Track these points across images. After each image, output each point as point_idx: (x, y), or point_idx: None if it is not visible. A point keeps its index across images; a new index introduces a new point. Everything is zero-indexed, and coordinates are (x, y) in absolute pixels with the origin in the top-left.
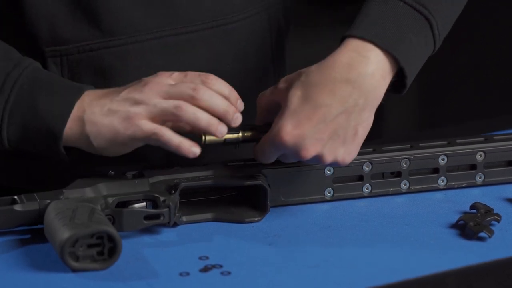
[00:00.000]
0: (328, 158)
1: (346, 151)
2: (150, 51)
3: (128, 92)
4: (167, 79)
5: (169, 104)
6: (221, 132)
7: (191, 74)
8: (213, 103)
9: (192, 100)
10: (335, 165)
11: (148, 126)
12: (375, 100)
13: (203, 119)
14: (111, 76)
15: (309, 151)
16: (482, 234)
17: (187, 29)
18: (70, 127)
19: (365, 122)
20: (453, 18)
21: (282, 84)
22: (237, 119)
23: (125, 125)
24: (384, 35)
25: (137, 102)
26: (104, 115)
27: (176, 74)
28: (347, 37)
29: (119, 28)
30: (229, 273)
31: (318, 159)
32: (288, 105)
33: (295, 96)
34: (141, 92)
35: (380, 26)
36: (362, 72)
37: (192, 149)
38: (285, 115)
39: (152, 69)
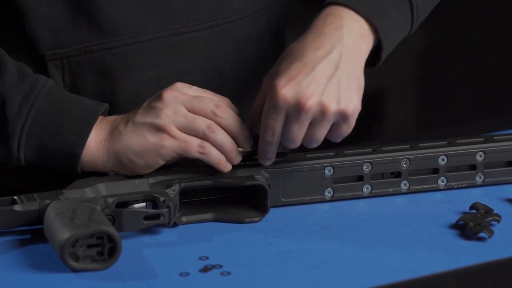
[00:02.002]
0: (332, 105)
1: (346, 96)
2: (151, 51)
3: (149, 102)
4: (186, 89)
5: (201, 121)
6: (236, 161)
7: (209, 92)
8: (231, 122)
9: (213, 116)
10: (341, 116)
11: (190, 138)
12: (359, 56)
13: (228, 145)
14: (112, 76)
15: (310, 98)
16: (482, 235)
17: (187, 29)
18: (98, 148)
19: (357, 73)
20: (431, 6)
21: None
22: (249, 142)
23: (159, 136)
24: (366, 5)
25: (161, 110)
26: (130, 129)
27: (195, 87)
28: (328, 5)
29: (120, 29)
30: (229, 273)
31: (322, 109)
32: (276, 71)
33: (282, 63)
34: (162, 99)
35: None
36: (339, 27)
37: (228, 165)
38: (276, 77)
39: (153, 69)
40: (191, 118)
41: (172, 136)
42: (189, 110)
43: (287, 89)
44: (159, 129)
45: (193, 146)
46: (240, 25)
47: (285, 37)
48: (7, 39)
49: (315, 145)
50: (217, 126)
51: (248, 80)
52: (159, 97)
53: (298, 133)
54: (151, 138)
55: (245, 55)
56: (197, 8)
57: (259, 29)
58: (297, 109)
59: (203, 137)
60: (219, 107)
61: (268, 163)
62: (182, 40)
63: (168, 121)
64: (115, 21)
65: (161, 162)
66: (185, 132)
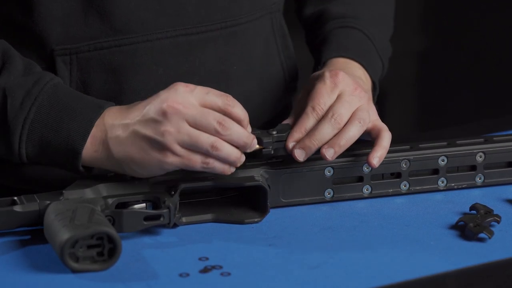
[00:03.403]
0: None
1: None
2: (160, 50)
3: (149, 111)
4: (189, 97)
5: (205, 139)
6: (240, 164)
7: (213, 93)
8: (235, 137)
9: (216, 134)
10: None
11: (194, 155)
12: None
13: (232, 156)
14: (120, 74)
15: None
16: (482, 235)
17: (197, 29)
18: (96, 150)
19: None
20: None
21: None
22: (253, 147)
23: (162, 153)
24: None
25: (164, 126)
26: (131, 139)
27: (197, 91)
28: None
29: (131, 26)
30: (229, 274)
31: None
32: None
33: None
34: (165, 114)
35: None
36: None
37: (231, 170)
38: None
39: (162, 68)
40: (195, 137)
41: (175, 154)
42: (192, 126)
43: (340, 75)
44: (161, 147)
45: (197, 162)
46: (247, 28)
47: (288, 41)
48: (17, 32)
49: (347, 137)
50: (221, 142)
51: (254, 82)
52: (161, 111)
53: (346, 112)
54: (154, 154)
55: (251, 57)
56: (207, 9)
57: (264, 33)
58: (352, 88)
59: (207, 153)
60: (222, 125)
61: (292, 142)
62: (191, 40)
63: (171, 139)
64: (127, 19)
65: (163, 173)
66: (188, 150)
